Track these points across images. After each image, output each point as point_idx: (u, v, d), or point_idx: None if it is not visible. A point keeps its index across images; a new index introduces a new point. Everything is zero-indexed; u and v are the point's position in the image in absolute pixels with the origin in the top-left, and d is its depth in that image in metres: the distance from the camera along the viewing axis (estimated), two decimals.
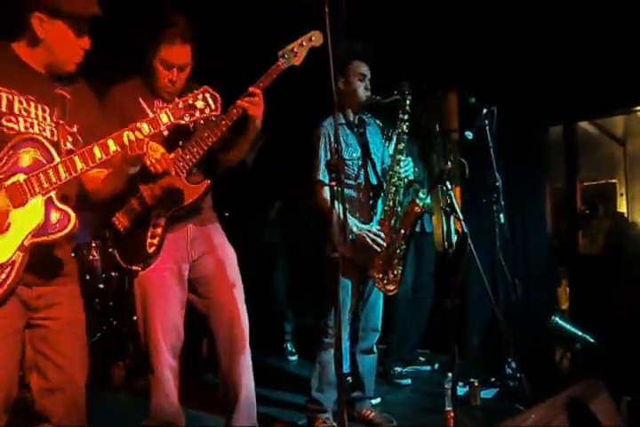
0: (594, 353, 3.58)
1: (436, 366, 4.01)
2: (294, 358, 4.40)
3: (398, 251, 2.85)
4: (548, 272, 4.30)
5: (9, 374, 1.79)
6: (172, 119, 1.85)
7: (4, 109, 1.80)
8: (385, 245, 2.78)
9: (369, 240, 2.74)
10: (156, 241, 2.33)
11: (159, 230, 2.34)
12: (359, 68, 2.93)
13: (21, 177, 1.78)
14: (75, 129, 1.94)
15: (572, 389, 2.00)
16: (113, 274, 3.91)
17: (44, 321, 1.87)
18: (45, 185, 1.79)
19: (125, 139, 1.81)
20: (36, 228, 1.78)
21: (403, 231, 2.85)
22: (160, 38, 2.31)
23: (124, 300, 3.86)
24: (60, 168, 1.79)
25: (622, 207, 5.42)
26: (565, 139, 4.45)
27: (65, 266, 1.94)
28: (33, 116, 1.85)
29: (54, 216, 1.80)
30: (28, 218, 1.78)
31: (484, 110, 3.45)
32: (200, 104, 1.87)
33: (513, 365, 3.35)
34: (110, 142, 1.82)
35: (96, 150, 1.81)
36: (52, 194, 1.82)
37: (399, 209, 2.86)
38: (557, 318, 3.63)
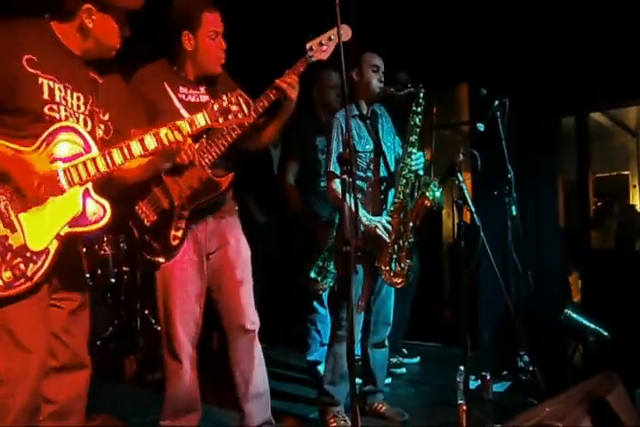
0: (606, 346, 3.55)
1: (418, 358, 3.99)
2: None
3: (406, 244, 2.84)
4: (560, 265, 4.27)
5: (47, 347, 1.83)
6: (208, 121, 1.89)
7: (46, 97, 1.81)
8: (393, 237, 2.77)
9: (378, 232, 2.73)
10: (179, 233, 2.35)
11: (182, 223, 2.35)
12: (373, 59, 2.93)
13: (61, 166, 1.80)
14: (107, 117, 1.97)
15: (588, 382, 1.98)
16: (124, 268, 3.92)
17: (62, 302, 1.91)
18: (84, 176, 1.81)
19: (164, 137, 1.86)
20: (74, 218, 1.80)
21: (411, 224, 2.84)
22: (197, 8, 2.29)
23: (135, 294, 3.88)
24: (99, 161, 1.82)
25: (635, 199, 5.37)
26: (577, 130, 4.40)
27: (80, 261, 1.99)
28: (69, 105, 1.87)
29: (91, 208, 1.84)
30: (65, 207, 1.80)
31: (496, 102, 3.40)
32: (234, 108, 1.90)
33: (525, 358, 3.33)
34: (149, 140, 1.85)
35: (134, 146, 1.85)
36: (89, 185, 1.85)
37: (409, 202, 2.85)
38: (570, 311, 3.60)
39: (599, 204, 5.02)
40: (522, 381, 3.32)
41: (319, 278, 3.37)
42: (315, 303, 3.72)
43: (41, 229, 1.77)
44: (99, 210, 1.84)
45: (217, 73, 2.41)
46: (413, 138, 2.85)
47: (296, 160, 3.66)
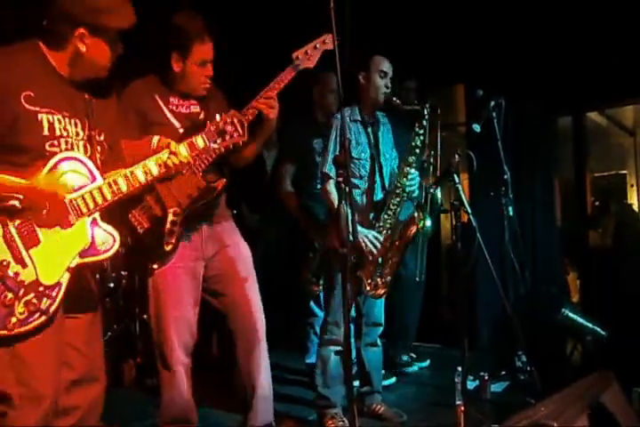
0: (604, 345, 3.55)
1: (428, 362, 3.98)
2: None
3: (390, 261, 2.80)
4: (557, 265, 4.27)
5: (57, 380, 1.82)
6: (207, 143, 1.96)
7: (46, 133, 1.81)
8: (377, 253, 2.74)
9: (364, 245, 2.70)
10: (172, 239, 2.35)
11: (176, 228, 2.36)
12: (381, 64, 2.88)
13: (68, 196, 1.79)
14: (102, 137, 1.97)
15: (583, 381, 1.99)
16: (123, 273, 3.92)
17: (76, 315, 1.91)
18: (91, 206, 1.82)
19: (167, 162, 1.91)
20: (83, 249, 1.81)
21: (397, 243, 2.80)
22: (189, 38, 2.32)
23: (134, 299, 3.88)
24: (105, 189, 1.83)
25: (633, 198, 5.37)
26: (574, 130, 4.41)
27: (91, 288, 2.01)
28: (71, 134, 1.86)
29: (100, 238, 1.85)
30: (74, 239, 1.81)
31: (492, 102, 3.41)
32: (229, 128, 1.98)
33: (523, 358, 3.33)
34: (152, 166, 1.90)
35: (139, 174, 1.88)
36: (97, 215, 1.85)
37: (398, 221, 2.81)
38: (568, 311, 3.60)
39: (596, 203, 5.02)
40: (520, 381, 3.32)
41: (314, 280, 3.37)
42: (313, 306, 3.73)
43: (52, 262, 1.77)
44: (107, 239, 1.85)
45: (200, 95, 2.46)
46: (412, 158, 2.78)
47: (292, 162, 3.67)
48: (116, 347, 3.74)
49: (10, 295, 1.70)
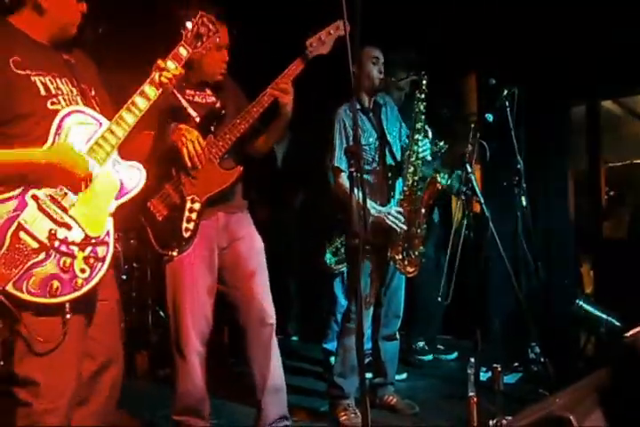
0: (619, 337, 3.51)
1: (455, 354, 3.99)
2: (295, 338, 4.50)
3: (419, 231, 2.84)
4: (571, 256, 4.23)
5: (78, 371, 1.82)
6: (189, 50, 1.95)
7: (44, 93, 1.81)
8: (405, 226, 2.76)
9: (389, 222, 2.73)
10: (191, 226, 2.38)
11: (194, 215, 2.38)
12: (372, 51, 2.95)
13: (83, 148, 1.81)
14: (93, 92, 1.97)
15: (599, 372, 1.96)
16: (135, 265, 3.94)
17: (97, 303, 1.91)
18: (109, 149, 1.83)
19: (159, 79, 1.89)
20: (116, 191, 1.85)
21: (423, 210, 2.83)
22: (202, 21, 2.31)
23: (146, 290, 3.90)
24: (115, 128, 1.83)
25: None
26: (588, 119, 4.34)
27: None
28: (66, 91, 1.87)
29: (126, 175, 1.89)
30: (106, 186, 1.84)
31: (505, 91, 3.38)
32: (203, 30, 1.98)
33: (536, 349, 3.31)
34: (148, 88, 1.89)
35: (138, 100, 1.87)
36: (115, 155, 1.87)
37: (418, 188, 2.83)
38: (582, 302, 3.56)
39: (611, 193, 4.96)
40: (533, 372, 3.31)
41: (334, 260, 3.38)
42: (338, 293, 3.73)
43: (93, 215, 1.80)
44: (134, 173, 1.90)
45: (218, 81, 2.49)
46: (419, 125, 2.85)
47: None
48: (129, 338, 3.76)
49: (68, 260, 1.72)
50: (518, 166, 3.39)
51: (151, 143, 2.32)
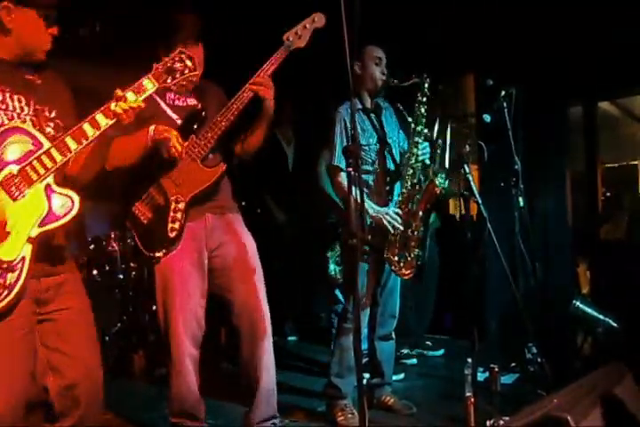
0: (616, 337, 3.52)
1: (442, 351, 4.02)
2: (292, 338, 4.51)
3: (416, 233, 2.84)
4: (568, 256, 4.24)
5: (27, 375, 1.75)
6: (155, 84, 1.84)
7: None
8: (402, 227, 2.76)
9: (385, 222, 2.73)
10: (177, 226, 2.35)
11: (179, 215, 2.36)
12: (375, 51, 2.93)
13: (14, 168, 1.73)
14: (54, 115, 1.90)
15: (596, 373, 1.96)
16: (132, 264, 3.93)
17: (53, 314, 1.84)
18: (42, 172, 1.74)
19: (115, 109, 1.78)
20: (41, 217, 1.74)
21: (421, 213, 2.83)
22: (173, 42, 2.29)
23: (143, 290, 3.89)
24: (54, 152, 1.75)
25: None
26: (585, 120, 4.35)
27: (64, 252, 1.90)
28: (11, 108, 1.80)
29: (57, 202, 1.77)
30: (30, 209, 1.73)
31: (502, 92, 3.37)
32: (178, 66, 1.86)
33: (533, 349, 3.30)
34: (100, 117, 1.78)
35: (87, 128, 1.76)
36: (50, 180, 1.77)
37: (416, 191, 2.84)
38: (579, 302, 3.57)
39: (608, 195, 4.97)
40: (530, 372, 3.30)
41: (338, 269, 3.38)
42: (338, 294, 3.73)
43: (9, 237, 1.69)
44: (66, 202, 1.77)
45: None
46: (419, 128, 2.84)
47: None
48: (126, 338, 3.76)
49: None
50: (516, 167, 3.38)
51: (127, 147, 2.28)
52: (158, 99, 2.40)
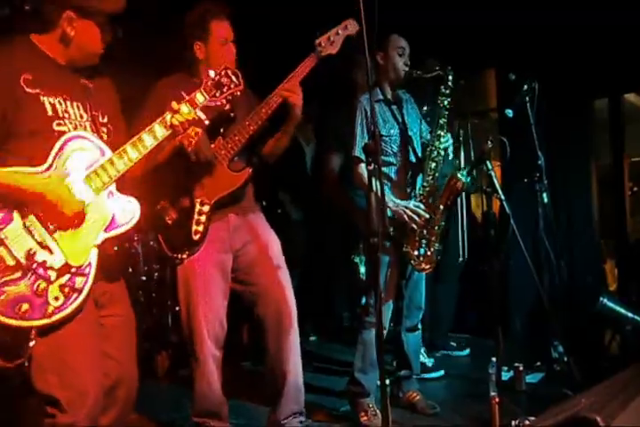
0: None
1: (467, 351, 3.97)
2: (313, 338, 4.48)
3: (436, 228, 2.80)
4: (594, 253, 4.16)
5: (99, 375, 1.81)
6: (206, 97, 1.95)
7: (51, 113, 1.81)
8: (422, 221, 2.73)
9: (406, 217, 2.69)
10: (200, 228, 2.36)
11: (203, 218, 2.37)
12: (398, 42, 2.88)
13: (80, 175, 1.79)
14: (106, 120, 1.96)
15: (626, 372, 1.92)
16: (155, 266, 3.95)
17: (106, 319, 1.91)
18: (106, 180, 1.81)
19: (169, 121, 1.88)
20: (106, 223, 1.81)
21: (442, 207, 2.80)
22: (205, 19, 2.37)
23: (166, 291, 3.91)
24: (117, 160, 1.82)
25: None
26: (611, 112, 4.26)
27: (114, 260, 1.96)
28: (73, 116, 1.86)
29: (119, 209, 1.85)
30: (96, 215, 1.80)
31: (525, 86, 3.32)
32: (225, 80, 1.98)
33: (559, 348, 3.26)
34: (157, 127, 1.87)
35: (145, 137, 1.85)
36: (113, 187, 1.85)
37: (438, 185, 2.80)
38: (606, 300, 3.50)
39: (635, 189, 4.86)
40: (556, 371, 3.25)
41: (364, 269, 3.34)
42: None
43: (78, 243, 1.76)
44: (128, 208, 1.86)
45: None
46: (442, 120, 2.80)
47: (338, 152, 3.67)
48: (150, 339, 3.79)
49: (43, 284, 1.69)
50: (539, 162, 3.33)
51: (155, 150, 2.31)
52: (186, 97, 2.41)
